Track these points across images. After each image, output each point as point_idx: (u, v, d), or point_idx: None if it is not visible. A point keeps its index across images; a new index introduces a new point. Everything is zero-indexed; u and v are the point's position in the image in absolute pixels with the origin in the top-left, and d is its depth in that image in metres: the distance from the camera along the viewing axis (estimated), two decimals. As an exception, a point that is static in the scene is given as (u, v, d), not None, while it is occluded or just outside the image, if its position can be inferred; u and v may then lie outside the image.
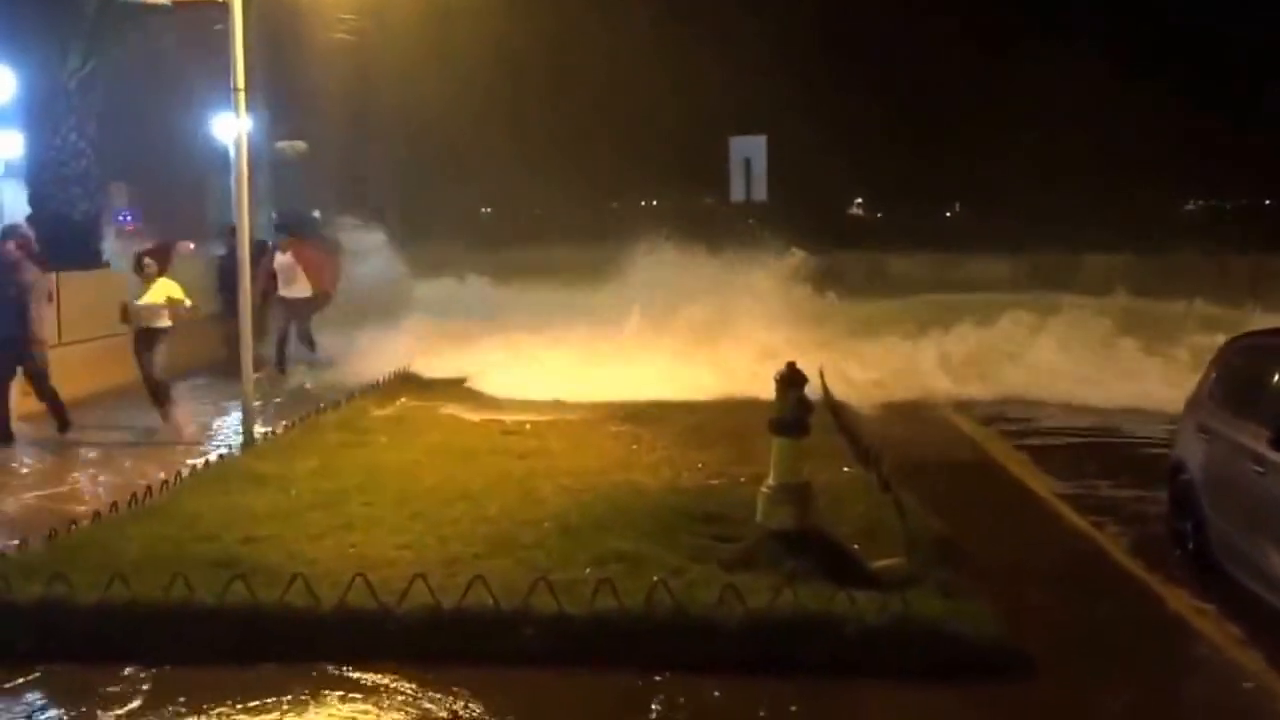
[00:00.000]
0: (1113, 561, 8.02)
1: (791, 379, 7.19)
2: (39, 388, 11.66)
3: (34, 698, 5.70)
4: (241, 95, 10.97)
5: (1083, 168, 34.74)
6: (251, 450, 10.53)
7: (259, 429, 11.13)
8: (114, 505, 8.13)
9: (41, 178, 16.49)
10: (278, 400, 14.06)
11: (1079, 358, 15.84)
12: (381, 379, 14.61)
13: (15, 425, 11.67)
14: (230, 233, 16.47)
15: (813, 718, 5.60)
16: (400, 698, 5.65)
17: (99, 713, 5.53)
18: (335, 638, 6.04)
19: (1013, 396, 14.62)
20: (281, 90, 25.61)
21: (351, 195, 30.43)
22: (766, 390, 7.58)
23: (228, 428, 12.40)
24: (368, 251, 24.32)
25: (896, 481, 8.46)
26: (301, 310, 16.62)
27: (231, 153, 11.96)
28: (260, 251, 16.01)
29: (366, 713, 5.51)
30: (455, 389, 14.42)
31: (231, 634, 6.05)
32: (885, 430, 12.10)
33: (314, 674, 5.84)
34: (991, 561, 7.50)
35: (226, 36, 10.82)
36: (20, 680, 5.83)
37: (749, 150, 29.82)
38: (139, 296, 11.88)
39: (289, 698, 5.62)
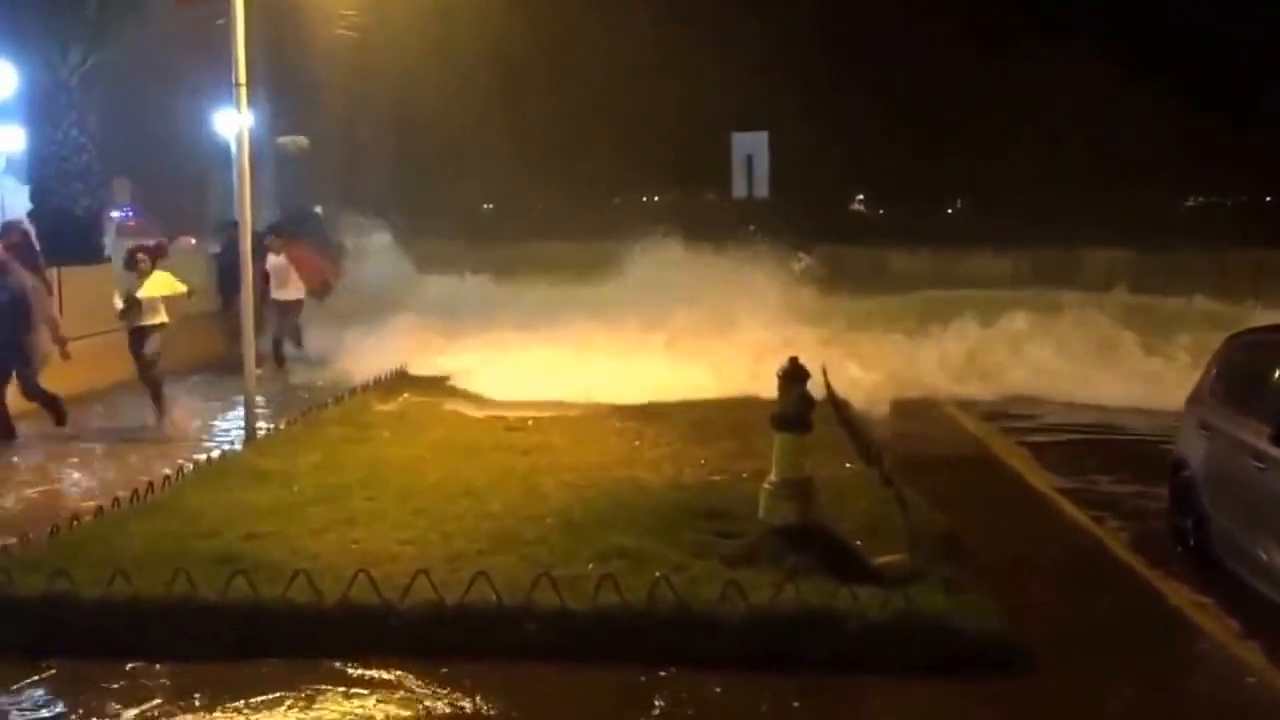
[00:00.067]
0: (1113, 557, 8.04)
1: (794, 374, 7.20)
2: (25, 389, 11.48)
3: (37, 694, 5.70)
4: (243, 90, 10.94)
5: (1083, 167, 34.69)
6: (253, 445, 10.51)
7: (260, 425, 11.13)
8: (116, 501, 8.12)
9: (43, 173, 16.51)
10: (279, 395, 14.06)
11: (1079, 355, 15.84)
12: (384, 375, 14.60)
13: (15, 423, 11.62)
14: (226, 230, 16.55)
15: (815, 713, 5.61)
16: (403, 693, 5.66)
17: (101, 708, 5.53)
18: (338, 633, 6.04)
19: (1013, 393, 14.63)
20: (283, 86, 25.58)
21: (353, 191, 30.42)
22: (768, 389, 7.58)
23: (229, 423, 12.40)
24: (373, 250, 24.38)
25: (898, 477, 8.45)
26: (292, 312, 16.64)
27: (233, 148, 11.95)
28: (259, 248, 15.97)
29: (369, 708, 5.52)
30: (455, 386, 14.39)
31: (234, 630, 6.05)
32: (887, 426, 12.14)
33: (317, 670, 5.84)
34: (993, 557, 7.51)
35: (228, 32, 10.80)
36: (23, 676, 5.82)
37: (751, 146, 29.87)
38: (134, 292, 11.89)
39: (292, 693, 5.63)
